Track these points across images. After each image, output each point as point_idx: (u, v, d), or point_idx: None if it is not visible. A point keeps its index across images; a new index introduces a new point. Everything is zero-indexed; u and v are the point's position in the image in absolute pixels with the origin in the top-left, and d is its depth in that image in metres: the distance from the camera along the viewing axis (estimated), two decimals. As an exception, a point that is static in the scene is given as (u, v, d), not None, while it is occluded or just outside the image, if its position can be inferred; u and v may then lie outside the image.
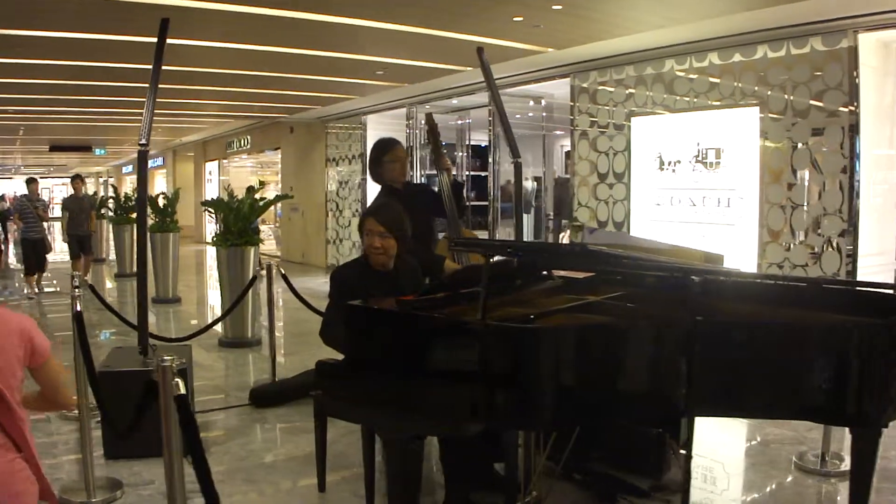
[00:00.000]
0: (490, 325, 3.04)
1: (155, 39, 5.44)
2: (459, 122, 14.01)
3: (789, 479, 4.74)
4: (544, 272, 4.37)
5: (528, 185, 15.56)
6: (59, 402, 2.91)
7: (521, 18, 7.37)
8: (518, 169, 6.82)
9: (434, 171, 6.20)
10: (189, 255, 17.16)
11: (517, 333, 3.02)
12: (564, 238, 12.80)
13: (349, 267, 4.27)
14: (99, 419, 4.81)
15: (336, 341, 3.96)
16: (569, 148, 17.66)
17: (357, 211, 16.10)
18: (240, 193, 9.20)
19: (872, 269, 7.59)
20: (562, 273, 4.47)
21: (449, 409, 3.06)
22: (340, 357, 3.74)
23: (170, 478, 2.47)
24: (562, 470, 4.29)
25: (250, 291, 7.94)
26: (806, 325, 3.23)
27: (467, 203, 6.75)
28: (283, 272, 7.02)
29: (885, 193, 7.89)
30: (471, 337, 3.06)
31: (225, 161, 23.16)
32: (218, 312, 10.86)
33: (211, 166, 24.23)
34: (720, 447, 5.23)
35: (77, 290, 4.50)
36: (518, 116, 13.42)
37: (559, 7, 6.96)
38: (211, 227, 24.20)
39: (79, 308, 4.37)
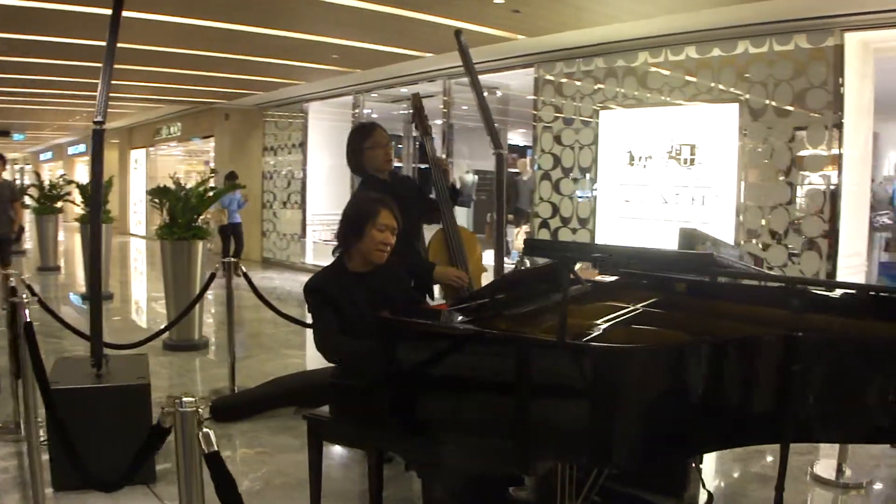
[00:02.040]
0: (571, 344, 2.59)
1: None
2: (409, 111, 13.47)
3: (809, 493, 4.40)
4: (571, 276, 3.87)
5: (468, 177, 15.16)
6: None
7: (502, 1, 6.87)
8: (500, 160, 6.29)
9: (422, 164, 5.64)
10: (114, 248, 16.21)
11: (605, 355, 2.54)
12: (519, 235, 12.39)
13: (326, 275, 3.67)
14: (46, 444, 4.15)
15: (351, 357, 3.40)
16: (515, 141, 17.51)
17: (297, 203, 15.46)
18: (166, 183, 8.48)
19: (846, 270, 7.38)
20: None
21: (523, 443, 2.61)
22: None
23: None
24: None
25: (198, 289, 7.29)
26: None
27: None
28: (244, 270, 6.39)
29: (857, 195, 7.68)
30: (547, 358, 2.60)
31: (152, 149, 22.12)
32: (157, 310, 10.19)
33: (137, 154, 23.13)
34: (733, 461, 4.83)
35: (22, 297, 3.83)
36: (465, 108, 12.97)
37: (547, -11, 6.49)
38: (135, 218, 23.20)
39: (27, 317, 3.70)
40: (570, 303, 3.56)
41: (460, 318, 3.10)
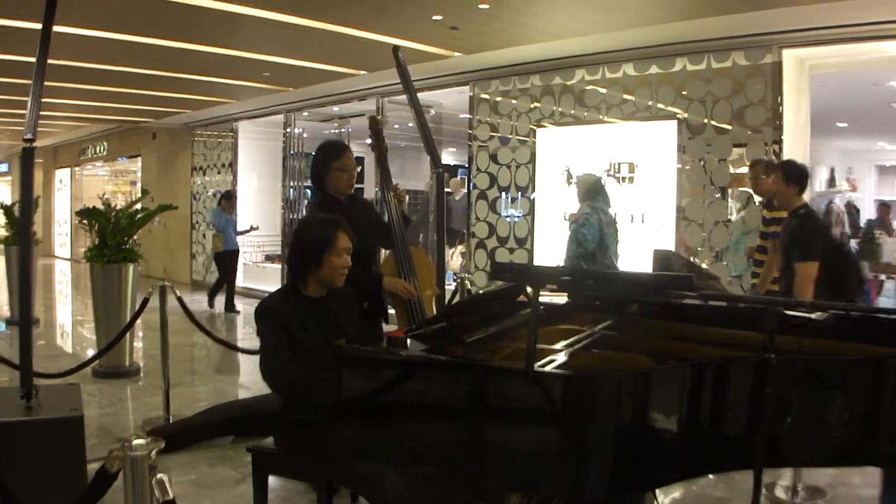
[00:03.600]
0: (540, 372, 2.47)
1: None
2: (339, 130, 13.30)
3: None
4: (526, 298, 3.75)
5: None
6: None
7: (440, 17, 6.77)
8: (440, 179, 6.17)
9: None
10: (39, 271, 15.61)
11: (573, 382, 2.45)
12: (454, 256, 12.29)
13: (278, 299, 3.49)
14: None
15: (304, 388, 3.22)
16: (447, 160, 17.43)
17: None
18: (94, 204, 8.17)
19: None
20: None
21: (483, 473, 2.53)
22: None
23: None
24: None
25: (129, 314, 7.01)
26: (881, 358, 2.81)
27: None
28: (178, 294, 6.13)
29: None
30: (511, 385, 2.51)
31: (77, 168, 21.48)
32: (84, 336, 9.80)
33: (62, 174, 22.41)
34: (689, 483, 4.75)
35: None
36: (397, 126, 12.87)
37: (486, 6, 6.39)
38: (60, 240, 22.48)
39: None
40: (522, 327, 3.46)
41: (418, 345, 2.95)
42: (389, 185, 4.65)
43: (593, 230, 6.40)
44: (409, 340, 3.08)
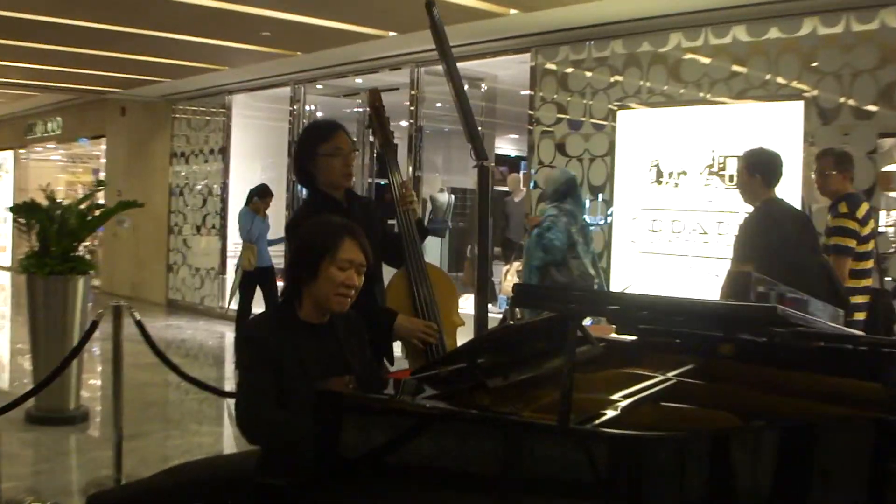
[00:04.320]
0: (577, 430, 2.52)
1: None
2: (363, 109, 13.44)
3: None
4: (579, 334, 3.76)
5: (442, 198, 15.08)
6: None
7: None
8: (484, 175, 6.19)
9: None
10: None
11: (624, 444, 2.50)
12: (509, 275, 12.27)
13: (266, 324, 3.54)
14: None
15: (286, 438, 3.26)
16: (505, 151, 17.50)
17: (215, 228, 15.30)
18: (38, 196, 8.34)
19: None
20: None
21: None
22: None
23: None
24: None
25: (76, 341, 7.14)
26: None
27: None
28: (136, 317, 6.23)
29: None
30: (546, 447, 2.58)
31: (23, 151, 21.97)
32: (22, 367, 9.97)
33: (2, 157, 22.96)
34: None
35: None
36: (439, 105, 13.00)
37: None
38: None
39: None
40: (579, 370, 3.45)
41: (428, 390, 3.02)
42: (399, 194, 4.63)
43: (560, 235, 7.09)
44: (418, 384, 3.11)
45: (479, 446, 2.68)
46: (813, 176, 6.77)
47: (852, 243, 6.06)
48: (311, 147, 4.38)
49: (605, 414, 2.77)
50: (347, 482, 2.85)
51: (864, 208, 6.16)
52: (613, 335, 3.92)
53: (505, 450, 2.63)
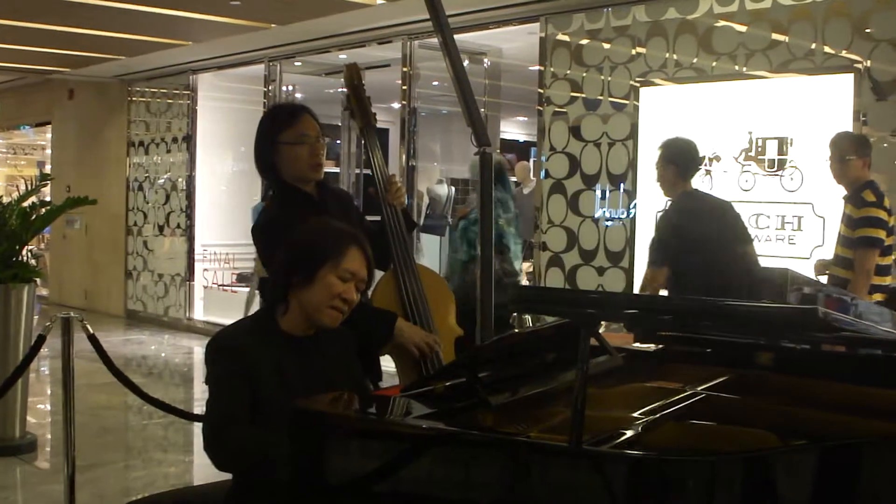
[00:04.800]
0: (591, 451, 2.55)
1: None
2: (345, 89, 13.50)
3: None
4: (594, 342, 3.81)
5: (441, 190, 15.14)
6: None
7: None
8: (485, 163, 6.25)
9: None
10: None
11: (645, 468, 2.54)
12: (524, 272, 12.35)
13: (245, 330, 3.57)
14: None
15: (260, 462, 3.30)
16: (512, 135, 17.55)
17: (180, 228, 15.34)
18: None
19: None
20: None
21: None
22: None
23: None
24: None
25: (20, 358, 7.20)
26: None
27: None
28: (89, 330, 6.27)
29: None
30: (557, 471, 2.61)
31: (-45, 141, 22.07)
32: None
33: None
34: None
35: None
36: (436, 84, 13.08)
37: None
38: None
39: None
40: (594, 384, 3.51)
41: (423, 408, 3.05)
42: (384, 186, 4.65)
43: None
44: (411, 402, 3.15)
45: (481, 471, 2.72)
46: (828, 162, 6.84)
47: (882, 234, 6.15)
48: (272, 134, 4.35)
49: (623, 433, 2.82)
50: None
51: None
52: (633, 344, 3.98)
53: (511, 475, 2.66)
